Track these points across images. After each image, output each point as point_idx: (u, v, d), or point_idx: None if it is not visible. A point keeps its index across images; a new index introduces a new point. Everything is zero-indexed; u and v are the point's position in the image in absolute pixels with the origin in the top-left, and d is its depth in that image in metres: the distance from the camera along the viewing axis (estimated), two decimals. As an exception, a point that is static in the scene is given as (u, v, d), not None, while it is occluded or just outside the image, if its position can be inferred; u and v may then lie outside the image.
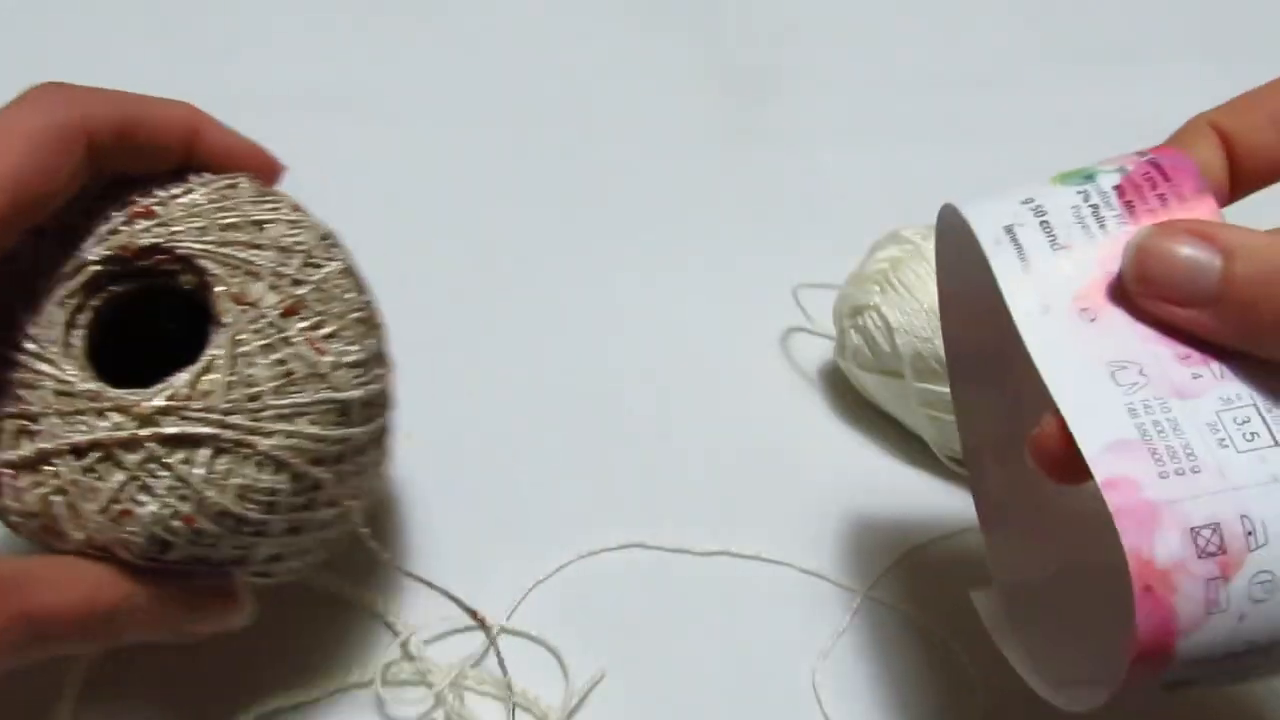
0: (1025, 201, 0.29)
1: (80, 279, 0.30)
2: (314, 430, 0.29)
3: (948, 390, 0.41)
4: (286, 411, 0.29)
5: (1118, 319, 0.28)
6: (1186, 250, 0.27)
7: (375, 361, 0.32)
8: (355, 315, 0.31)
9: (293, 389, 0.29)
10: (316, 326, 0.30)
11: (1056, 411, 0.27)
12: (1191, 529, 0.25)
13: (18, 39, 0.60)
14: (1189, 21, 0.64)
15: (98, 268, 0.30)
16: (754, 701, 0.37)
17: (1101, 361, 0.27)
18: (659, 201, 0.54)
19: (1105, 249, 0.28)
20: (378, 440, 0.33)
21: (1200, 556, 0.24)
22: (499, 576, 0.40)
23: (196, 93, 0.58)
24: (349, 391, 0.30)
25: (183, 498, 0.28)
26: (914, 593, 0.40)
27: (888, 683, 0.38)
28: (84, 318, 0.30)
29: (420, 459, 0.43)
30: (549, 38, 0.62)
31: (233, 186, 0.32)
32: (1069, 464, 0.27)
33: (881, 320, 0.42)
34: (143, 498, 0.28)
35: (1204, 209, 0.28)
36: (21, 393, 0.29)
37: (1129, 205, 0.29)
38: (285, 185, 0.48)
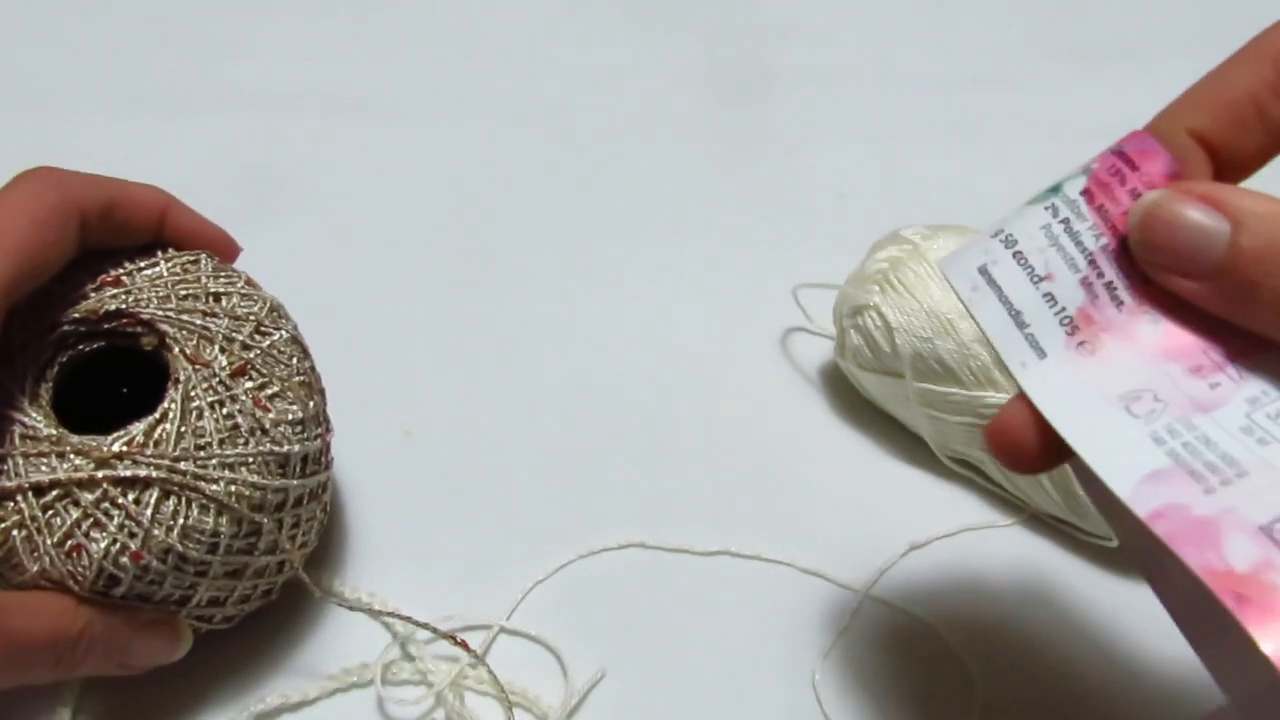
0: (996, 235, 0.28)
1: (51, 337, 0.34)
2: (255, 479, 0.32)
3: (947, 390, 0.41)
4: (231, 460, 0.32)
5: (1117, 345, 0.26)
6: (1195, 215, 0.25)
7: (314, 422, 0.35)
8: (298, 379, 0.35)
9: (238, 441, 0.32)
10: (262, 387, 0.34)
11: (1020, 395, 0.26)
12: (1260, 527, 0.23)
13: (18, 39, 0.60)
14: (1188, 21, 0.64)
15: (67, 328, 0.34)
16: (754, 701, 0.37)
17: (1112, 396, 0.26)
18: (659, 201, 0.54)
19: (1086, 268, 0.27)
20: (316, 494, 0.36)
21: None
22: (499, 576, 0.40)
23: (197, 92, 0.59)
24: (289, 446, 0.33)
25: (131, 534, 0.31)
26: (914, 593, 0.40)
27: (888, 683, 0.38)
28: (52, 372, 0.34)
29: (421, 458, 0.43)
30: (549, 38, 0.62)
31: (194, 262, 0.36)
32: (1038, 453, 0.26)
33: (881, 320, 0.42)
34: (95, 534, 0.31)
35: None
36: None
37: (1101, 211, 0.27)
38: (285, 187, 0.48)
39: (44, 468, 0.31)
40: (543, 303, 0.49)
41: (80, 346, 0.34)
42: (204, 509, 0.32)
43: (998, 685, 0.38)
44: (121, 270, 0.35)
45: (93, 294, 0.34)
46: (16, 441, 0.32)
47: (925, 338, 0.41)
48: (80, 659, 0.31)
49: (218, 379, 0.33)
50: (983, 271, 0.27)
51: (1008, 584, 0.40)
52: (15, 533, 0.31)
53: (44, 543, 0.31)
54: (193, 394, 0.32)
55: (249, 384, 0.33)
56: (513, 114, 0.58)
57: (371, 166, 0.55)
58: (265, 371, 0.34)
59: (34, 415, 0.32)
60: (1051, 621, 0.39)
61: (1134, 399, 0.26)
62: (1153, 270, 0.26)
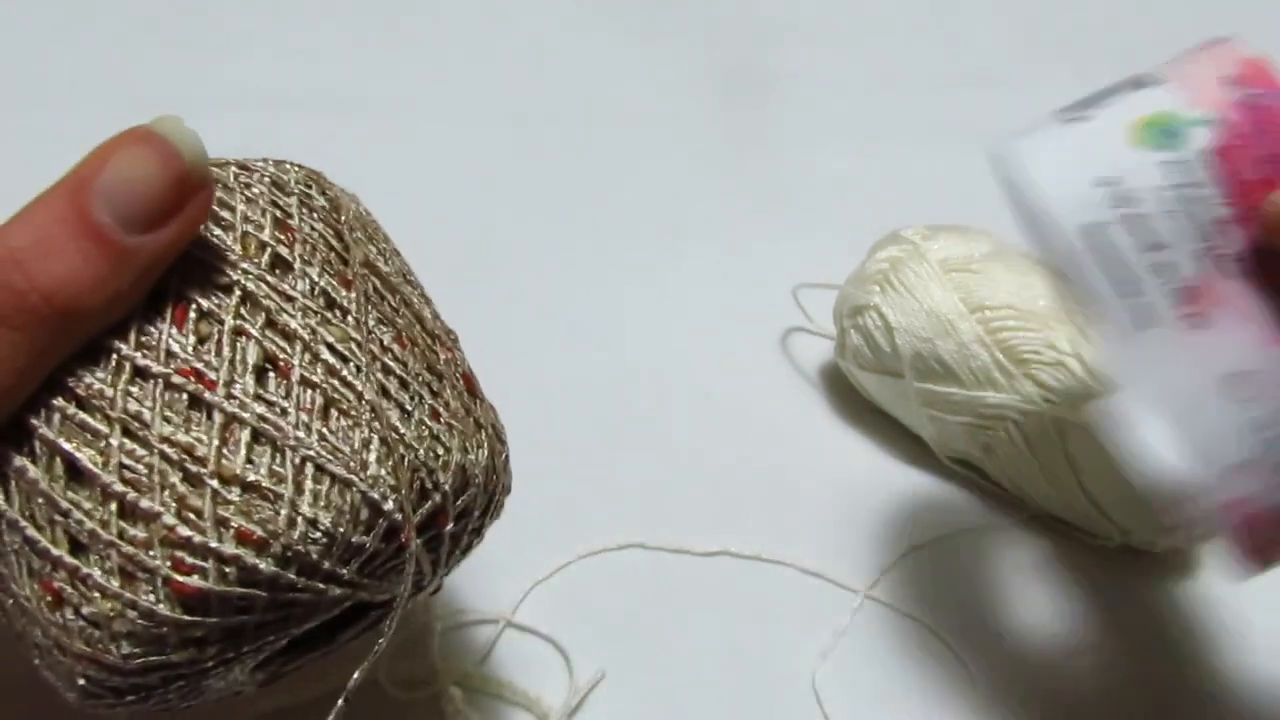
0: (1103, 183, 0.24)
1: None
2: None
3: (948, 390, 0.41)
4: None
5: (1230, 322, 0.24)
6: None
7: None
8: None
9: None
10: None
11: None
12: None
13: (18, 39, 0.60)
14: (1188, 21, 0.64)
15: None
16: (754, 701, 0.37)
17: (1214, 375, 0.23)
18: (659, 202, 0.54)
19: (1207, 238, 0.24)
20: None
21: None
22: (499, 576, 0.39)
23: (197, 92, 0.59)
24: None
25: None
26: (914, 593, 0.40)
27: (888, 683, 0.38)
28: None
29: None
30: (550, 38, 0.62)
31: None
32: None
33: (881, 320, 0.42)
34: None
35: None
36: None
37: (1234, 177, 0.23)
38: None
39: None
40: (543, 303, 0.49)
41: None
42: None
43: (997, 685, 0.38)
44: None
45: None
46: None
47: (925, 338, 0.41)
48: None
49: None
50: (1094, 231, 0.24)
51: (1008, 584, 0.40)
52: None
53: None
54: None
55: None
56: (512, 114, 0.58)
57: (371, 167, 0.54)
58: None
59: None
60: (1051, 622, 0.39)
61: (1239, 382, 0.24)
62: None
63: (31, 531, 0.23)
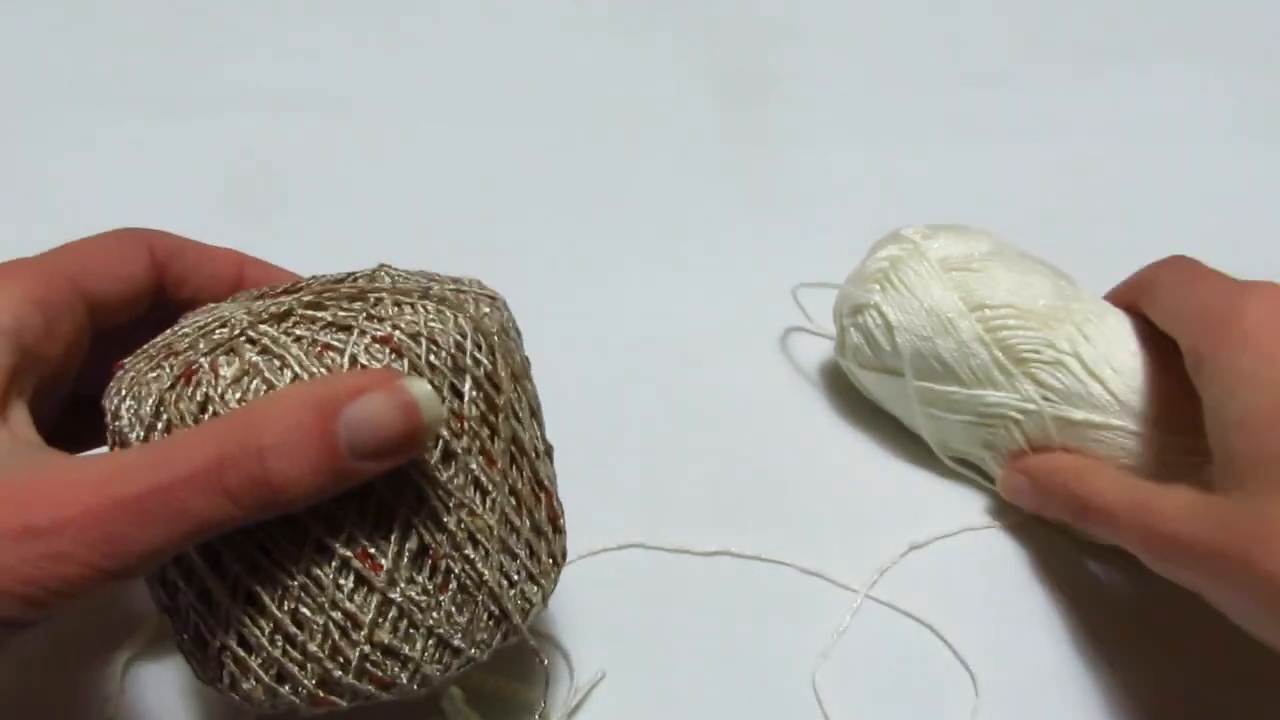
0: None
1: None
2: None
3: (947, 389, 0.41)
4: None
5: None
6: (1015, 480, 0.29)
7: None
8: None
9: None
10: None
11: None
12: None
13: (18, 39, 0.60)
14: (1187, 21, 0.64)
15: None
16: (754, 702, 0.37)
17: None
18: (659, 201, 0.54)
19: None
20: None
21: None
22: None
23: (197, 93, 0.59)
24: None
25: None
26: (914, 593, 0.40)
27: (887, 683, 0.38)
28: None
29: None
30: (549, 38, 0.62)
31: None
32: None
33: (881, 319, 0.42)
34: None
35: None
36: None
37: None
38: (285, 187, 0.48)
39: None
40: (543, 302, 0.49)
41: None
42: None
43: (997, 686, 0.38)
44: None
45: None
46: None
47: (925, 336, 0.40)
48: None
49: None
50: None
51: (1008, 584, 0.40)
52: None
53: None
54: None
55: None
56: (512, 114, 0.58)
57: (372, 166, 0.55)
58: None
59: None
60: (1051, 622, 0.39)
61: None
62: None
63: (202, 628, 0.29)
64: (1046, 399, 0.39)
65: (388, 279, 0.32)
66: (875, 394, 0.44)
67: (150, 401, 0.28)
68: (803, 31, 0.63)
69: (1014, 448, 0.40)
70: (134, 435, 0.28)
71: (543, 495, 0.32)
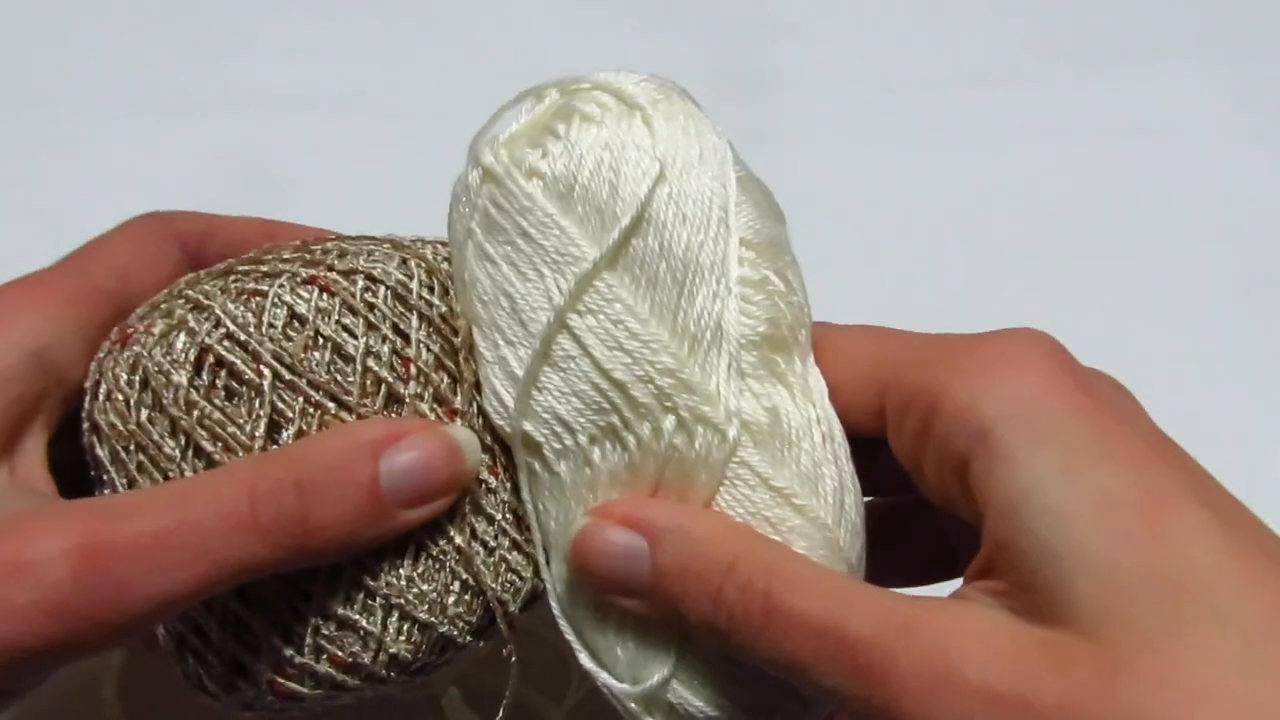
0: None
1: None
2: None
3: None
4: None
5: None
6: (618, 537, 0.26)
7: None
8: None
9: None
10: None
11: None
12: None
13: (18, 39, 0.60)
14: (1187, 21, 0.64)
15: None
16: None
17: None
18: (659, 201, 0.54)
19: None
20: None
21: None
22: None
23: (197, 93, 0.59)
24: None
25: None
26: (913, 592, 0.40)
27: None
28: None
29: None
30: (549, 37, 0.62)
31: None
32: None
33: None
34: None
35: None
36: None
37: None
38: (285, 187, 0.47)
39: None
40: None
41: None
42: None
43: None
44: None
45: None
46: None
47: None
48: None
49: None
50: None
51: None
52: None
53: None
54: None
55: None
56: (513, 114, 0.58)
57: (372, 166, 0.55)
58: None
59: None
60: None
61: None
62: (602, 596, 0.27)
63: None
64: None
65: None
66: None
67: (94, 371, 0.28)
68: (803, 31, 0.63)
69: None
70: (84, 409, 0.27)
71: None
